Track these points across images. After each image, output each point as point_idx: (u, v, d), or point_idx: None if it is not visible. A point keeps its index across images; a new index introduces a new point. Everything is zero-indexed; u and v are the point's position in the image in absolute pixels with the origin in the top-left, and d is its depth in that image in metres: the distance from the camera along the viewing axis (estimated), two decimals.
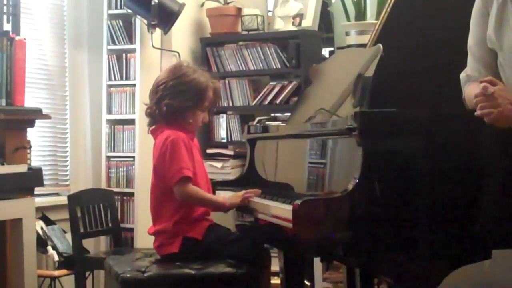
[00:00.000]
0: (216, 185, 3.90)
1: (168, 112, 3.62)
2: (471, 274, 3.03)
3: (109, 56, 5.46)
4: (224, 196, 3.70)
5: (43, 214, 4.86)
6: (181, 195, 3.52)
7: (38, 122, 4.52)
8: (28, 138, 4.40)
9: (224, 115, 5.84)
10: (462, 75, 2.94)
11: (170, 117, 3.63)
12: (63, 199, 4.97)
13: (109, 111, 5.47)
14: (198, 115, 3.69)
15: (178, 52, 5.67)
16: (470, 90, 2.79)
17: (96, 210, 5.04)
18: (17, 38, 4.29)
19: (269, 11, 6.13)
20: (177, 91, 3.62)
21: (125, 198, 5.41)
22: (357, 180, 2.64)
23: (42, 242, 4.66)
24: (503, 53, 2.77)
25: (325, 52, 5.85)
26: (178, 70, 3.70)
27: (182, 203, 3.56)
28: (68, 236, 4.87)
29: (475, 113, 2.55)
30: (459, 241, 2.75)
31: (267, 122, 5.28)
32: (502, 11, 2.74)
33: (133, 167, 5.37)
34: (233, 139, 5.82)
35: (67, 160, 5.39)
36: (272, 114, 5.63)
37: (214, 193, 3.80)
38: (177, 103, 3.61)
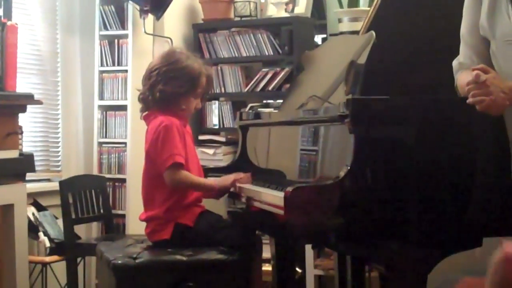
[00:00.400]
0: (208, 172, 3.90)
1: (161, 98, 3.61)
2: (462, 261, 3.04)
3: (101, 42, 5.45)
4: (214, 179, 3.70)
5: (35, 200, 4.85)
6: (171, 181, 3.51)
7: (29, 108, 4.50)
8: (20, 123, 4.39)
9: (216, 102, 5.83)
10: (455, 62, 2.94)
11: (163, 103, 3.63)
12: (54, 185, 4.96)
13: (101, 97, 5.46)
14: (191, 101, 3.69)
15: (170, 38, 5.66)
16: (463, 77, 2.79)
17: (88, 196, 5.04)
18: (8, 23, 4.27)
19: None
20: (170, 77, 3.62)
21: (117, 184, 5.40)
22: (349, 167, 2.64)
23: (33, 228, 4.65)
24: (495, 42, 2.77)
25: (318, 39, 5.84)
26: (172, 56, 3.70)
27: (174, 189, 3.56)
28: (60, 222, 4.87)
29: (467, 101, 2.55)
30: (450, 229, 2.75)
31: (259, 109, 5.27)
32: None
33: (125, 153, 5.36)
34: (225, 126, 5.81)
35: (58, 146, 5.38)
36: (265, 101, 5.62)
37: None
38: (170, 89, 3.61)
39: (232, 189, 3.59)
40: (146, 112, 3.73)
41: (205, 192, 3.71)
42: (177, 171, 3.51)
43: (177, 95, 3.63)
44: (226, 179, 3.58)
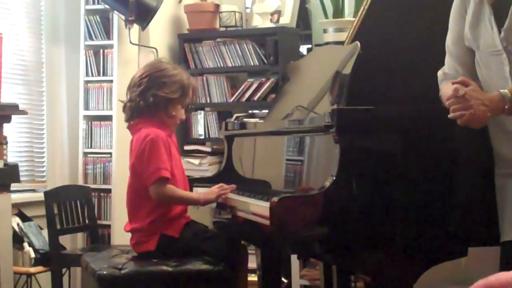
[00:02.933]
0: (194, 182, 3.89)
1: (154, 103, 3.60)
2: (447, 271, 3.05)
3: (87, 52, 5.45)
4: (200, 191, 3.69)
5: (19, 210, 4.83)
6: (157, 196, 3.50)
7: (14, 118, 4.49)
8: (4, 133, 4.37)
9: (202, 112, 5.82)
10: (439, 73, 2.95)
11: (155, 108, 3.61)
12: (39, 196, 4.95)
13: (86, 107, 5.45)
14: (179, 109, 3.69)
15: (156, 48, 5.66)
16: (446, 89, 2.80)
17: (73, 207, 5.02)
18: None
19: (247, 8, 6.13)
20: (163, 83, 3.62)
21: (102, 194, 5.39)
22: (334, 178, 2.65)
23: (18, 239, 4.63)
24: (479, 52, 2.79)
25: (303, 49, 5.86)
26: (160, 65, 3.71)
27: (159, 203, 3.55)
28: (45, 232, 4.84)
29: (449, 116, 2.56)
30: (435, 239, 2.76)
31: (244, 119, 5.28)
32: (479, 10, 2.76)
33: (110, 163, 5.35)
34: (210, 136, 5.81)
35: (43, 156, 5.37)
36: (250, 111, 5.63)
37: (191, 190, 3.79)
38: (163, 94, 3.60)
39: (219, 200, 3.58)
40: (131, 122, 3.72)
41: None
42: (162, 186, 3.50)
43: (169, 101, 3.63)
44: (210, 193, 3.56)
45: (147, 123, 3.62)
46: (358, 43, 3.14)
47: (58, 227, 4.87)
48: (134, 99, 3.66)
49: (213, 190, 3.54)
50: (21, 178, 4.63)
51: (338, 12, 5.46)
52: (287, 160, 3.22)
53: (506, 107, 2.57)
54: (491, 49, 2.71)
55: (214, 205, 3.66)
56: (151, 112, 3.63)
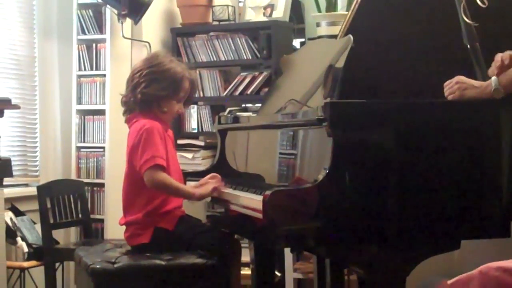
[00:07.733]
0: (187, 176, 3.89)
1: (142, 100, 3.60)
2: (440, 264, 3.06)
3: (79, 46, 5.44)
4: (193, 185, 3.67)
5: (12, 205, 4.83)
6: (151, 182, 3.47)
7: (7, 112, 4.48)
8: None
9: (195, 106, 5.81)
10: None
11: (144, 105, 3.61)
12: (32, 190, 4.95)
13: (79, 102, 5.45)
14: (173, 104, 3.67)
15: (148, 42, 5.65)
16: None
17: (66, 201, 5.02)
18: None
19: (240, 1, 6.11)
20: (152, 79, 3.60)
21: (95, 189, 5.39)
22: (327, 171, 2.65)
23: (11, 233, 4.62)
24: None
25: (296, 43, 5.85)
26: (155, 59, 3.69)
27: (155, 195, 3.54)
28: (38, 227, 4.84)
29: None
30: (428, 232, 2.76)
31: (238, 113, 5.27)
32: None
33: (103, 157, 5.35)
34: (204, 130, 5.80)
35: (36, 151, 5.36)
36: (243, 105, 5.62)
37: (185, 183, 3.78)
38: (152, 91, 3.59)
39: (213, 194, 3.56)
40: (129, 115, 3.71)
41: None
42: (157, 172, 3.47)
43: (159, 97, 3.62)
44: (205, 188, 3.54)
45: (142, 116, 3.61)
46: (351, 36, 3.14)
47: (51, 221, 4.88)
48: (127, 95, 3.67)
49: (207, 186, 3.52)
50: (14, 173, 4.63)
51: (331, 6, 5.45)
52: (280, 153, 3.22)
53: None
54: None
55: (208, 199, 3.66)
56: (143, 108, 3.62)
